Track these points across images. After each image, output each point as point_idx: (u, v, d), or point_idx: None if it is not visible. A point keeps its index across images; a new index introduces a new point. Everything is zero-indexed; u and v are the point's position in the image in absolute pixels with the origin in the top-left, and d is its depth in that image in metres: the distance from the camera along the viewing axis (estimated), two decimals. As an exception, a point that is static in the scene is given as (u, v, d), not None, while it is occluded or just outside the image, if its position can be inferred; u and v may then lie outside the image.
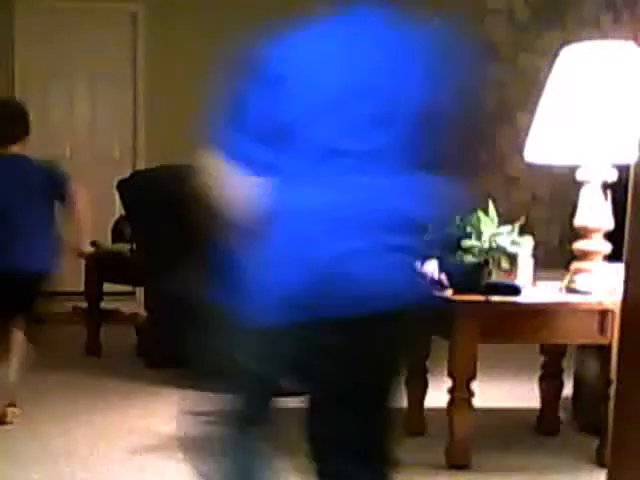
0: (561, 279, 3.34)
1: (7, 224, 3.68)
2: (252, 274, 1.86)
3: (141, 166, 6.83)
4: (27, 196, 3.71)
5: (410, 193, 1.82)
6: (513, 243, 3.21)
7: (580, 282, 3.24)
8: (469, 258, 3.17)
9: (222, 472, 2.14)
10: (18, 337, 3.80)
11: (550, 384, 3.74)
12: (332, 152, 1.82)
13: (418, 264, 1.92)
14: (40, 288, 3.83)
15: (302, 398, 2.17)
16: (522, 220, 3.30)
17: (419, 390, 3.65)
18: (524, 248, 3.26)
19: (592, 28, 6.67)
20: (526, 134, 3.38)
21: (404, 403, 3.68)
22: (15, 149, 3.74)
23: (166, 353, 4.96)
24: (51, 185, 3.76)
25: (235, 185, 1.94)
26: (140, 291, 5.76)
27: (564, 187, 6.22)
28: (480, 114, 1.98)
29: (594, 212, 3.28)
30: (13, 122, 3.70)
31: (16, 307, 3.78)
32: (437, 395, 3.50)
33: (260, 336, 1.85)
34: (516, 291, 3.20)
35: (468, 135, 1.95)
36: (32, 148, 3.93)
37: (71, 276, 6.51)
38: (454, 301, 3.17)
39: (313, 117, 1.85)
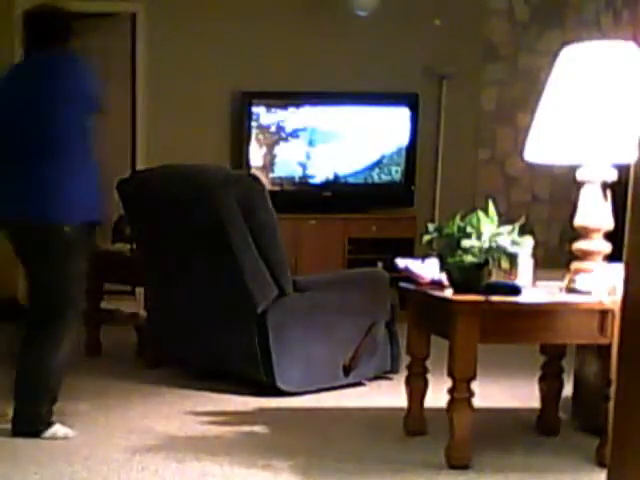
0: (561, 279, 3.34)
1: None
2: None
3: (141, 166, 6.82)
4: None
5: None
6: (513, 243, 3.21)
7: (580, 282, 3.24)
8: (469, 258, 3.17)
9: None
10: None
11: (550, 384, 3.74)
12: None
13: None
14: None
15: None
16: (522, 220, 3.29)
17: (419, 390, 3.65)
18: (524, 248, 3.26)
19: (592, 28, 6.67)
20: (526, 134, 3.38)
21: (404, 403, 3.70)
22: None
23: (166, 353, 4.97)
24: None
25: None
26: (140, 291, 5.76)
27: (564, 187, 6.24)
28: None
29: (594, 212, 3.28)
30: None
31: None
32: (437, 395, 3.50)
33: None
34: (516, 291, 3.20)
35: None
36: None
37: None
38: (453, 301, 3.18)
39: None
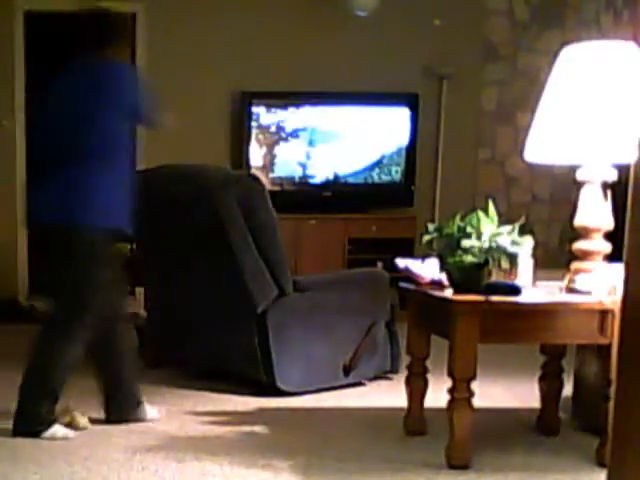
0: (561, 279, 3.34)
1: None
2: None
3: (141, 166, 6.82)
4: None
5: None
6: (513, 243, 3.21)
7: (580, 282, 3.24)
8: (469, 258, 3.17)
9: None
10: None
11: (550, 384, 3.74)
12: None
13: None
14: None
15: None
16: (522, 220, 3.29)
17: (419, 390, 3.65)
18: (524, 248, 3.26)
19: (592, 28, 6.67)
20: (526, 134, 3.38)
21: (404, 403, 3.70)
22: None
23: (166, 353, 4.97)
24: None
25: None
26: (140, 291, 5.75)
27: (564, 187, 6.24)
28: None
29: (594, 212, 3.28)
30: None
31: None
32: (437, 395, 3.50)
33: None
34: (516, 291, 3.20)
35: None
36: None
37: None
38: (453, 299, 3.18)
39: None
